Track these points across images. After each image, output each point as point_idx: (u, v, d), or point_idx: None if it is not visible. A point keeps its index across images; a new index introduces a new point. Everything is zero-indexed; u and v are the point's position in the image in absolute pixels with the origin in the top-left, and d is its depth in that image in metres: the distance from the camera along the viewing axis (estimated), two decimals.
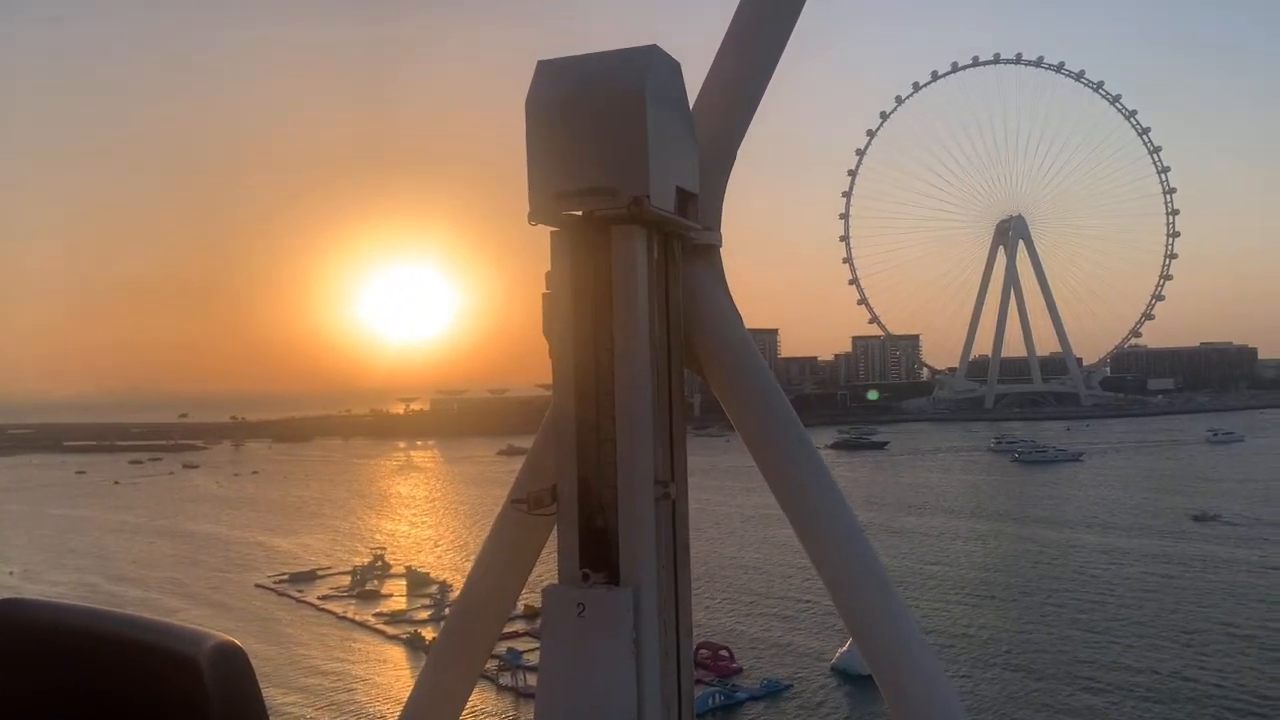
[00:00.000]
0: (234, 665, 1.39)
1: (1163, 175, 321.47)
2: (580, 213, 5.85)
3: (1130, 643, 77.10)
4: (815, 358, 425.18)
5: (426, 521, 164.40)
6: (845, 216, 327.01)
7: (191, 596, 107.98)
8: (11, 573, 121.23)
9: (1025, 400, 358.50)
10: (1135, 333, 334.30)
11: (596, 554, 5.80)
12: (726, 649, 76.21)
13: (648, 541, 5.77)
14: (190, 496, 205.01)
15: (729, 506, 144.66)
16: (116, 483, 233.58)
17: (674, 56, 6.17)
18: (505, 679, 70.83)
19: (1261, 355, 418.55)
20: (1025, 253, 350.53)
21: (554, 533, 6.31)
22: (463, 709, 7.45)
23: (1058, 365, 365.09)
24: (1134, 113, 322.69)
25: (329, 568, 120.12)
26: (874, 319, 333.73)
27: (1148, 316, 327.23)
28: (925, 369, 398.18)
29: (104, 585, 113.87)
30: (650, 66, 5.78)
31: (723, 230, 7.00)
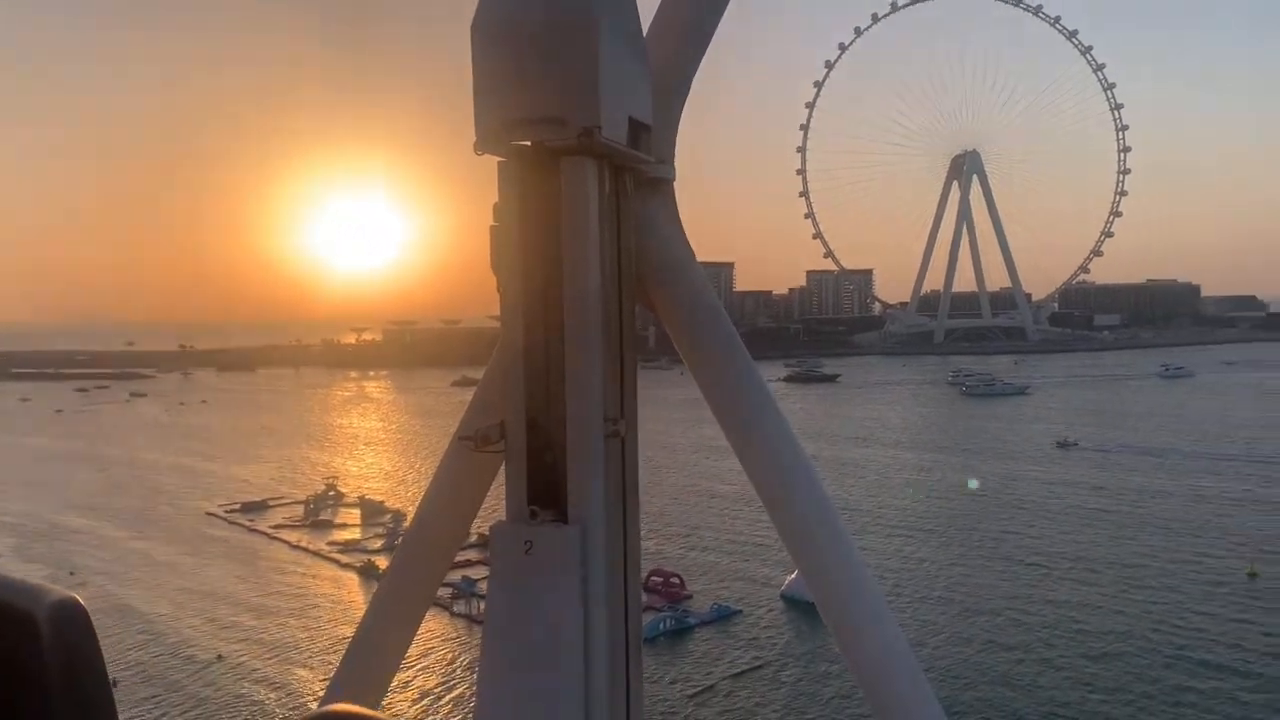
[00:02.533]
0: (74, 623, 1.31)
1: (1116, 113, 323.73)
2: (529, 143, 5.67)
3: (1062, 573, 79.59)
4: (770, 292, 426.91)
5: (379, 452, 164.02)
6: (802, 150, 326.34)
7: (140, 525, 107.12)
8: None
9: (974, 335, 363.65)
10: (1084, 269, 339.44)
11: (545, 491, 5.74)
12: (677, 576, 77.50)
13: (597, 479, 5.72)
14: (138, 425, 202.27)
15: (682, 439, 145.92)
16: (59, 411, 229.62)
17: None
18: (459, 606, 71.60)
19: (1205, 293, 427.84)
20: (979, 188, 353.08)
21: (503, 469, 6.28)
22: (410, 641, 7.44)
23: (1007, 301, 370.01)
24: (1090, 48, 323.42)
25: (282, 497, 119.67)
26: (828, 253, 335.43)
27: (1096, 253, 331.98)
28: (878, 304, 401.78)
29: (49, 514, 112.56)
30: None
31: (676, 162, 6.86)
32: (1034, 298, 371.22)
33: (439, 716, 57.22)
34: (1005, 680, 59.03)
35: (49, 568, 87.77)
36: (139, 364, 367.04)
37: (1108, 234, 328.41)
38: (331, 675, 7.09)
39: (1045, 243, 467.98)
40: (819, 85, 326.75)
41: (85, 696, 1.30)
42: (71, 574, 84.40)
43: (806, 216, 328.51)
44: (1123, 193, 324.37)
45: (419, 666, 62.31)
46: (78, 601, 1.34)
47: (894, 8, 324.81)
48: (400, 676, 45.79)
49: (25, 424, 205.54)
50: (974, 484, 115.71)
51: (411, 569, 7.09)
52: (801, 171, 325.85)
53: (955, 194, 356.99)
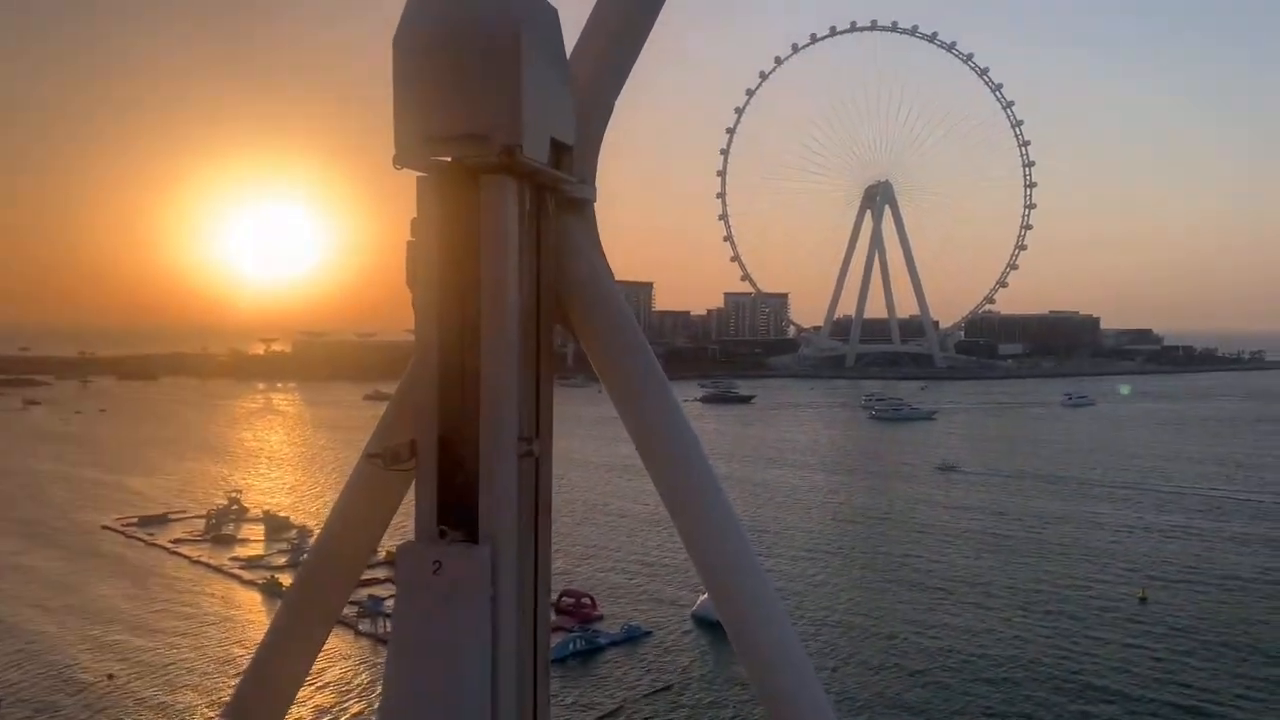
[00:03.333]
0: None
1: (1023, 149, 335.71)
2: (449, 159, 5.63)
3: (959, 596, 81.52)
4: (688, 312, 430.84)
5: (285, 467, 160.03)
6: (722, 174, 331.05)
7: (29, 539, 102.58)
8: None
9: (884, 360, 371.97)
10: (989, 299, 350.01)
11: (455, 511, 5.68)
12: (589, 596, 77.14)
13: (509, 500, 5.68)
14: (32, 434, 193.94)
15: (595, 457, 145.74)
16: None
17: (551, 2, 5.96)
18: (365, 625, 70.16)
19: (1104, 325, 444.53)
20: (890, 217, 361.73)
21: (412, 487, 6.18)
22: (312, 661, 7.26)
23: (916, 328, 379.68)
24: (1000, 86, 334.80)
25: (182, 511, 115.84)
26: (745, 276, 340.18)
27: (1002, 284, 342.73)
28: (792, 326, 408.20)
29: None
30: (526, 9, 5.56)
31: (598, 182, 6.87)
32: (941, 325, 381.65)
33: None
34: (899, 701, 60.07)
35: None
36: (34, 369, 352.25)
37: (1013, 265, 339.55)
38: (229, 698, 6.88)
39: (953, 272, 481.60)
40: (739, 111, 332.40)
41: None
42: None
43: (725, 239, 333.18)
44: (1029, 226, 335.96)
45: (319, 685, 60.76)
46: None
47: (813, 39, 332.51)
48: (300, 695, 44.46)
49: None
50: (879, 504, 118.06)
51: (315, 588, 6.93)
52: (721, 195, 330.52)
53: (868, 222, 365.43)
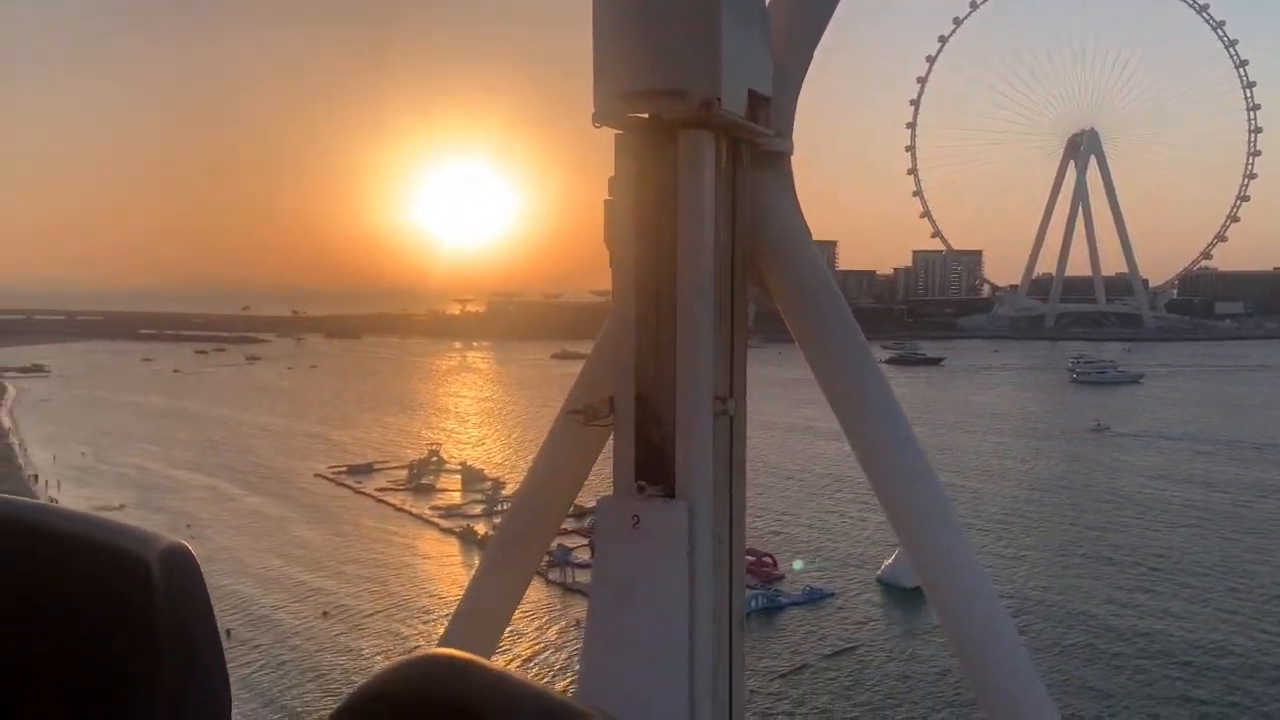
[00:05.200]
0: (183, 567, 1.37)
1: (1248, 91, 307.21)
2: (647, 115, 5.64)
3: (1167, 575, 76.72)
4: (873, 271, 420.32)
5: (480, 421, 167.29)
6: (912, 126, 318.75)
7: (252, 484, 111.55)
8: (84, 453, 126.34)
9: (1087, 320, 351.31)
10: (1206, 255, 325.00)
11: (652, 467, 5.75)
12: (770, 556, 77.11)
13: (705, 457, 5.71)
14: (251, 387, 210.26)
15: (778, 419, 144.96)
16: (176, 371, 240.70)
17: None
18: (554, 574, 72.62)
19: None
20: (1096, 168, 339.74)
21: (609, 443, 6.31)
22: (514, 610, 7.58)
23: (1122, 286, 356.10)
24: (1221, 23, 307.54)
25: (387, 461, 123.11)
26: (936, 233, 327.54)
27: (1220, 238, 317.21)
28: (986, 285, 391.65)
29: (167, 470, 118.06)
30: None
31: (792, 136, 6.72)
32: (1151, 284, 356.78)
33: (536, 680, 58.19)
34: (1094, 687, 57.32)
35: (168, 518, 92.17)
36: (254, 328, 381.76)
37: (1233, 219, 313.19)
38: (441, 633, 7.29)
39: (1166, 227, 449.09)
40: (931, 59, 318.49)
41: (193, 639, 1.36)
42: (188, 527, 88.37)
43: (914, 194, 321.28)
44: (1252, 175, 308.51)
45: (514, 631, 63.59)
46: (187, 549, 1.40)
47: None
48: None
49: (145, 384, 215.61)
50: (1075, 472, 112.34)
51: (520, 533, 7.21)
52: (910, 148, 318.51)
53: (1071, 174, 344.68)
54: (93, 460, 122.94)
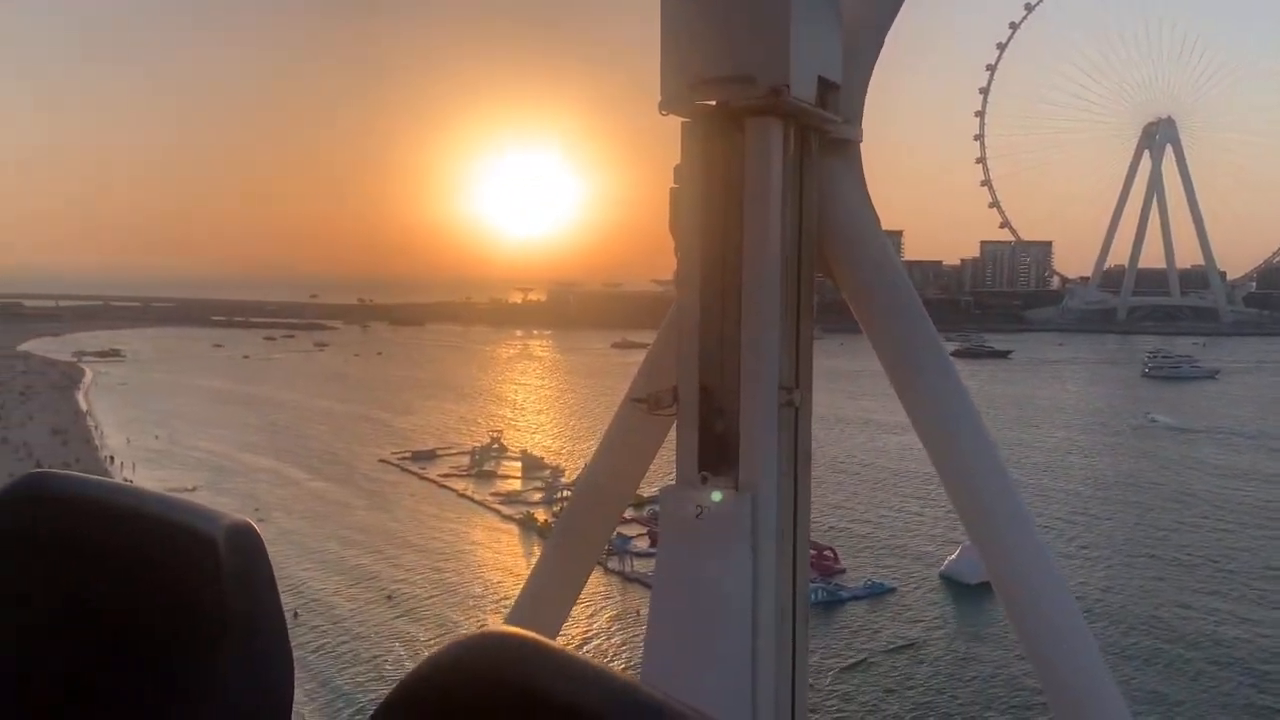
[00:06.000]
0: (249, 546, 1.42)
1: None
2: (714, 102, 5.57)
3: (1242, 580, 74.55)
4: (940, 262, 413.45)
5: (541, 408, 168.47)
6: (981, 114, 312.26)
7: (316, 468, 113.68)
8: (158, 437, 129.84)
9: (1160, 314, 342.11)
10: None
11: (716, 457, 5.70)
12: (831, 549, 76.51)
13: (769, 448, 5.64)
14: (320, 374, 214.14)
15: (839, 411, 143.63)
16: (246, 357, 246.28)
17: None
18: (613, 563, 72.89)
19: None
20: (1172, 157, 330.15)
21: (672, 433, 6.26)
22: (577, 595, 7.60)
23: (1198, 279, 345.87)
24: None
25: (449, 447, 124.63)
26: (1005, 223, 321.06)
27: None
28: (1056, 277, 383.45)
29: (235, 453, 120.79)
30: None
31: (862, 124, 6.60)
32: (1229, 276, 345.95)
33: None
34: (1157, 694, 55.95)
35: (236, 500, 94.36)
36: (322, 316, 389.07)
37: None
38: (505, 614, 7.36)
39: (1245, 217, 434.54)
40: (1001, 47, 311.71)
41: (257, 614, 1.40)
42: (255, 510, 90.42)
43: (983, 184, 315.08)
44: None
45: (575, 616, 64.03)
46: (252, 526, 1.44)
47: None
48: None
49: (216, 369, 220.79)
50: (1144, 469, 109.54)
51: (583, 520, 7.23)
52: (980, 137, 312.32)
53: (1146, 164, 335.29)
54: (166, 443, 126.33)
